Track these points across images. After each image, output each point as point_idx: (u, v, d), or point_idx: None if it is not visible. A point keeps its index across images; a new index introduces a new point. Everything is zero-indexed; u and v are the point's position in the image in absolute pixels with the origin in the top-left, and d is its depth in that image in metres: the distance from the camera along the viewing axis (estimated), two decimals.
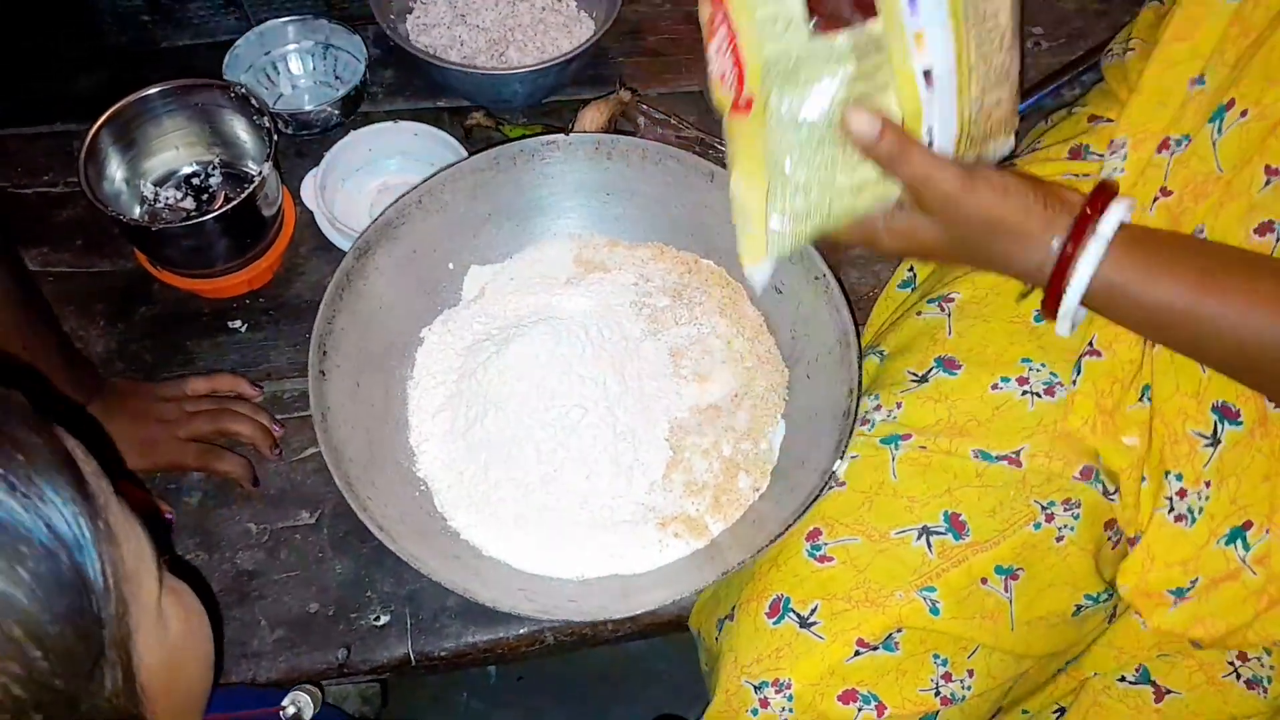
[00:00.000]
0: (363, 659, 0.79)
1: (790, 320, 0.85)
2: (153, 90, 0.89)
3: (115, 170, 0.90)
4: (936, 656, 0.69)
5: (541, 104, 1.06)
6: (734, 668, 0.71)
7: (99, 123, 0.86)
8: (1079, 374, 0.73)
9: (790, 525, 0.71)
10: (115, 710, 0.40)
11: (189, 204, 0.94)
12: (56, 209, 0.98)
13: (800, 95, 0.57)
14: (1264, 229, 0.65)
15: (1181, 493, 0.69)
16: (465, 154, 0.94)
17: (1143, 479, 0.71)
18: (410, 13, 1.08)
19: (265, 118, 0.89)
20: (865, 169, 0.60)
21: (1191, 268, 0.61)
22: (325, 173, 0.94)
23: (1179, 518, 0.69)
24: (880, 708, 0.68)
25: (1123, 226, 0.60)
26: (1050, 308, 0.63)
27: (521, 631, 0.81)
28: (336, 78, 1.06)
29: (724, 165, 0.89)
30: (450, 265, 0.89)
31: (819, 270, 0.81)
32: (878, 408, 0.77)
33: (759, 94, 0.58)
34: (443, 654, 0.80)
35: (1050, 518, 0.70)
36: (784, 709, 0.69)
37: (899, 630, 0.69)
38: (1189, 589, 0.69)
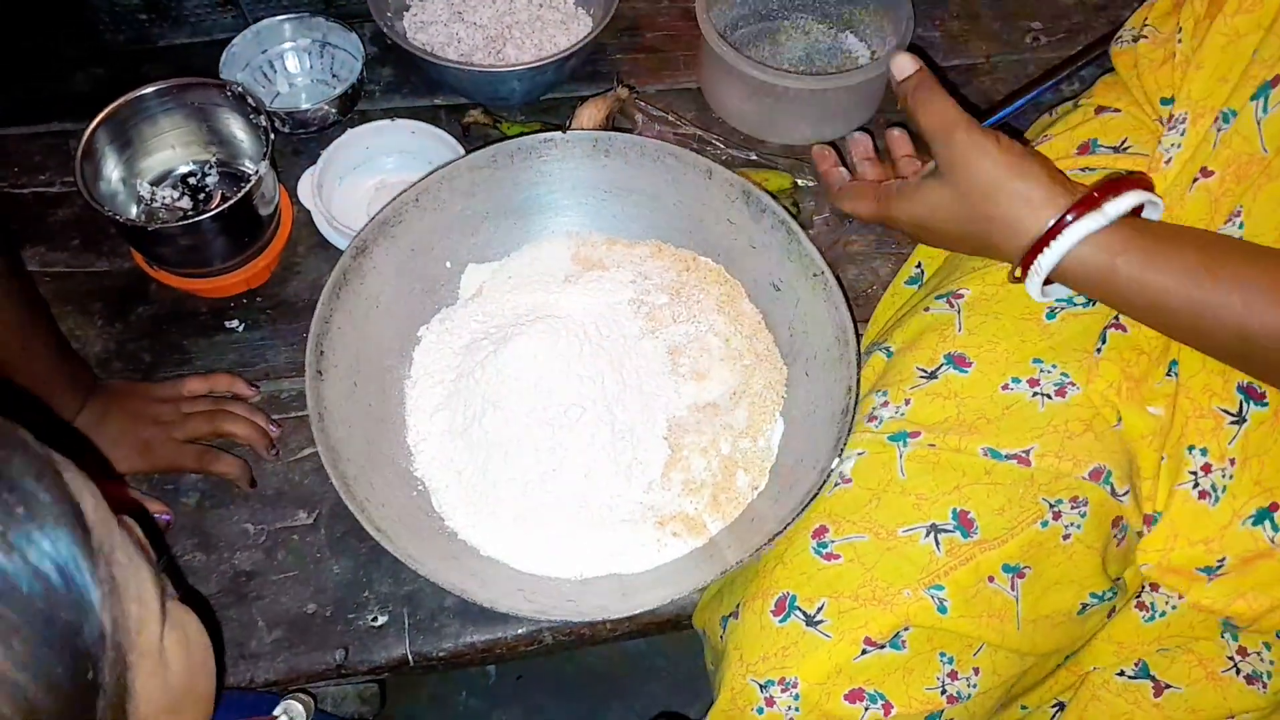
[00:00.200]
0: (361, 659, 0.79)
1: (789, 318, 0.85)
2: (149, 89, 0.88)
3: (112, 170, 0.89)
4: (943, 655, 0.69)
5: (539, 101, 1.06)
6: (739, 666, 0.70)
7: (95, 122, 0.86)
8: (1104, 343, 0.72)
9: (789, 523, 0.71)
10: None
11: (185, 203, 0.94)
12: (53, 208, 0.97)
13: None
14: None
15: (1206, 468, 0.69)
16: (463, 152, 0.94)
17: (1162, 457, 0.71)
18: (407, 10, 1.07)
19: (262, 116, 0.89)
20: None
21: (1192, 254, 0.61)
22: (322, 171, 0.94)
23: (1203, 494, 0.69)
24: (887, 706, 0.68)
25: (1131, 212, 0.60)
26: (1025, 263, 0.64)
27: (520, 631, 0.80)
28: (334, 76, 1.06)
29: (721, 161, 0.89)
30: (448, 264, 0.89)
31: (817, 267, 0.81)
32: (885, 404, 0.76)
33: None
34: (441, 654, 0.80)
35: (1057, 515, 0.70)
36: (790, 708, 0.68)
37: (906, 629, 0.68)
38: (1218, 568, 0.69)
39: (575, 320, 0.84)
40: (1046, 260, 0.65)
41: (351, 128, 0.97)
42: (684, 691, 1.32)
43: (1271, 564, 0.68)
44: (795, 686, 0.68)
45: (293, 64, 1.05)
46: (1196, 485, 0.69)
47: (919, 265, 0.91)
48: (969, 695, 0.69)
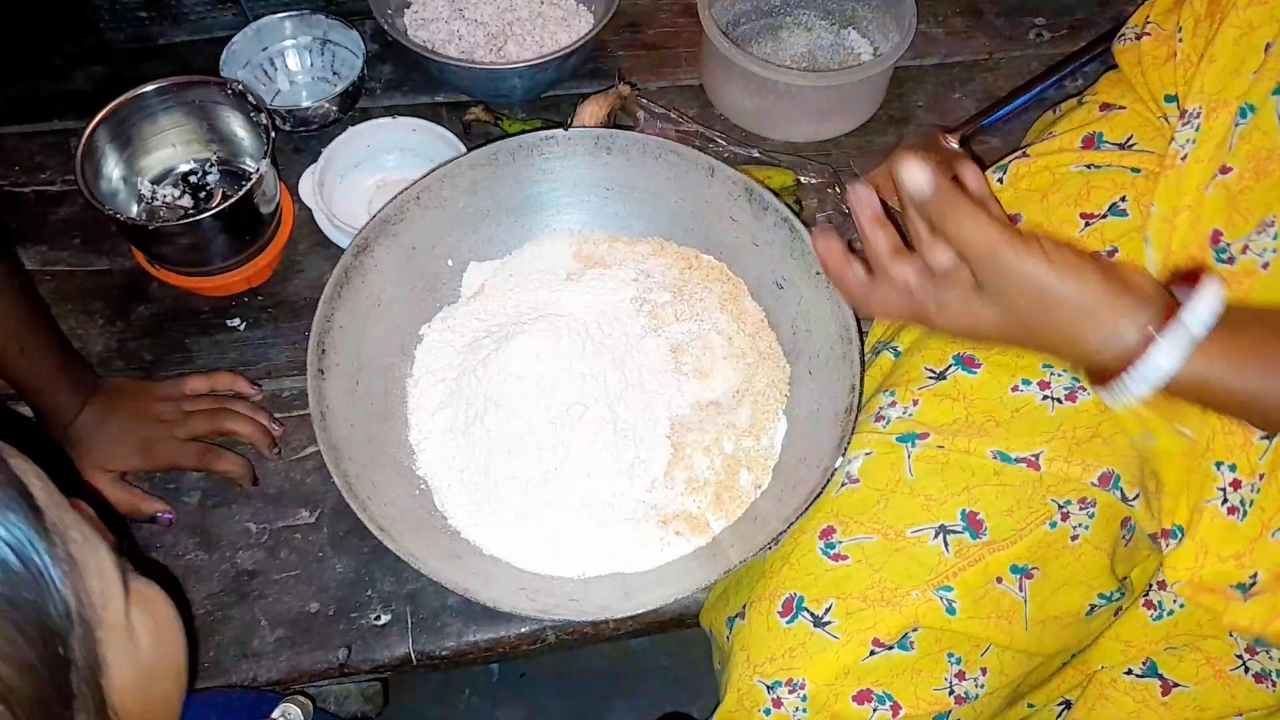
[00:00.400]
0: (364, 658, 0.78)
1: (791, 316, 0.85)
2: (149, 87, 0.88)
3: (112, 168, 0.89)
4: (951, 656, 0.69)
5: (540, 99, 1.05)
6: (746, 667, 0.70)
7: (96, 120, 0.86)
8: None
9: (792, 523, 0.70)
10: None
11: (186, 202, 0.94)
12: (54, 207, 0.97)
13: None
14: None
15: (1235, 484, 0.67)
16: (464, 149, 0.94)
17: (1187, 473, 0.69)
18: (408, 8, 1.07)
19: (263, 114, 0.88)
20: None
21: (1275, 344, 0.57)
22: (323, 169, 0.94)
23: (1231, 510, 0.67)
24: (895, 708, 0.67)
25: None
26: (1101, 380, 0.59)
27: (523, 630, 0.80)
28: (334, 73, 1.05)
29: (723, 159, 0.89)
30: (449, 262, 0.88)
31: (820, 265, 0.81)
32: (893, 404, 0.75)
33: None
34: (444, 653, 0.79)
35: (1066, 516, 0.69)
36: (797, 709, 0.68)
37: (915, 630, 0.68)
38: (1251, 584, 0.67)
39: (577, 318, 0.83)
40: (1135, 391, 0.58)
41: (352, 125, 0.97)
42: (687, 690, 1.32)
43: None
44: (803, 688, 0.68)
45: (293, 61, 1.05)
46: (1225, 501, 0.68)
47: None
48: (976, 696, 0.69)
